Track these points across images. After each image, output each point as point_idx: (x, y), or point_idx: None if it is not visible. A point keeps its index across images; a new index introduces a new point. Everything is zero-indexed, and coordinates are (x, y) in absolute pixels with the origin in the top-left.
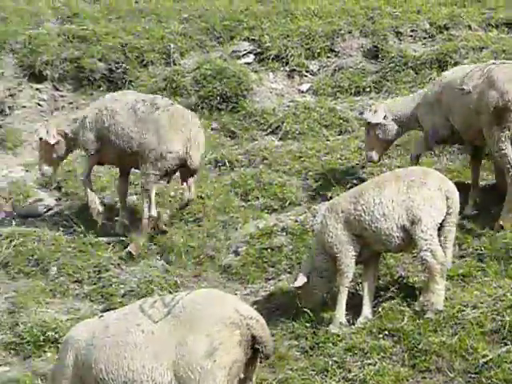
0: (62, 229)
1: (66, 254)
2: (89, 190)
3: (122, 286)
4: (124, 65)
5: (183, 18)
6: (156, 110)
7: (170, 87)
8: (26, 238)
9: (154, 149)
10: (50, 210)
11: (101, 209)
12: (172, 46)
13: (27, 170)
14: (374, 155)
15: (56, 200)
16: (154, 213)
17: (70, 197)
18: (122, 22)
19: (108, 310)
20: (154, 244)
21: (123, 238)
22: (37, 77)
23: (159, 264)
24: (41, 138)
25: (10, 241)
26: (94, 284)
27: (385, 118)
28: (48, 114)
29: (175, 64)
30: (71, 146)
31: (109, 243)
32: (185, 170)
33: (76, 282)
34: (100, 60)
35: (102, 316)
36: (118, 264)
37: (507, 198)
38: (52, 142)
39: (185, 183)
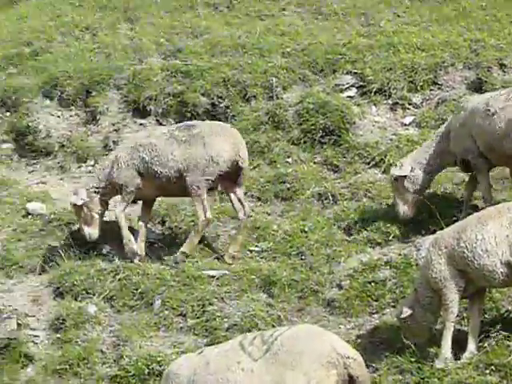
0: (165, 262)
1: (170, 288)
2: (125, 229)
3: (225, 319)
4: (227, 99)
5: (285, 52)
6: (193, 129)
7: (272, 121)
8: (131, 272)
9: (202, 157)
10: (154, 243)
11: (136, 247)
12: (274, 79)
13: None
14: (408, 210)
15: (160, 234)
16: (209, 215)
17: (173, 231)
18: (225, 57)
19: (212, 344)
20: (258, 277)
21: (227, 272)
22: (141, 112)
23: (262, 298)
24: (74, 204)
25: (115, 275)
26: (198, 317)
27: (412, 170)
28: None
29: (278, 98)
30: (107, 194)
31: (212, 277)
32: (230, 180)
33: (180, 315)
34: (203, 95)
35: (202, 352)
36: (222, 298)
37: None
38: (79, 203)
39: (237, 202)
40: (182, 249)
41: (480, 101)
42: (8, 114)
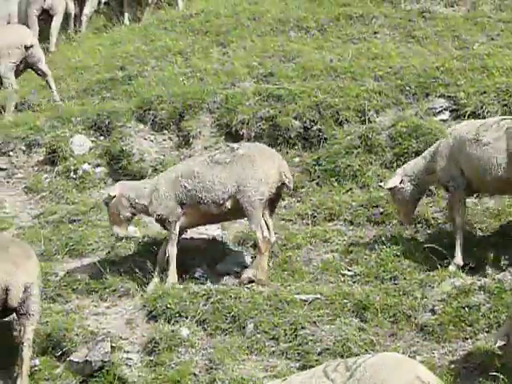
0: (257, 286)
1: (262, 312)
2: (173, 265)
3: (317, 343)
4: (319, 123)
5: (378, 75)
6: (235, 150)
7: (364, 145)
8: (223, 296)
9: (252, 178)
10: (246, 267)
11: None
12: (367, 103)
13: (224, 228)
14: (404, 218)
15: (252, 258)
16: (266, 234)
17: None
18: (317, 81)
19: (304, 368)
20: (350, 302)
21: (319, 296)
22: (233, 135)
23: (355, 322)
24: (106, 203)
25: (207, 298)
26: (290, 341)
27: (401, 182)
28: None
29: (370, 121)
30: (136, 211)
31: (305, 301)
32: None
33: (272, 339)
34: (295, 118)
35: (286, 379)
36: (314, 322)
37: None
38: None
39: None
40: (258, 276)
41: (469, 130)
42: (102, 138)
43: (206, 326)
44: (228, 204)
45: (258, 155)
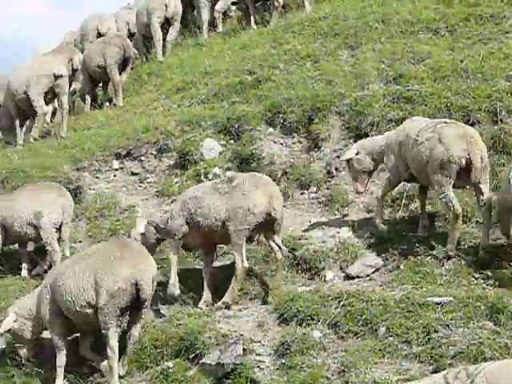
0: (389, 289)
1: (394, 315)
2: (174, 270)
3: (451, 347)
4: None
5: (509, 75)
6: (234, 180)
7: (496, 146)
8: (355, 299)
9: (240, 207)
10: (377, 270)
11: (177, 292)
12: (499, 104)
13: (355, 231)
14: (359, 187)
15: (383, 260)
16: (246, 264)
17: (396, 257)
18: (447, 82)
19: (437, 371)
20: (483, 305)
21: (452, 299)
22: (362, 138)
23: (489, 325)
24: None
25: (339, 301)
26: (423, 345)
27: (357, 153)
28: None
29: (502, 122)
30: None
31: (438, 303)
32: (268, 228)
33: (405, 342)
34: None
35: None
36: (447, 325)
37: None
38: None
39: (275, 246)
40: (224, 298)
41: (414, 130)
42: (232, 141)
43: (337, 328)
44: (221, 230)
45: (248, 186)
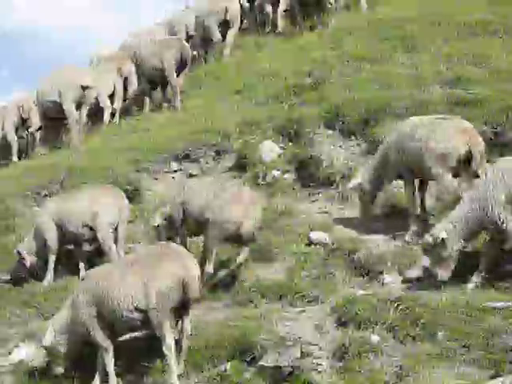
0: (448, 293)
1: (453, 319)
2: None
3: (510, 352)
4: (509, 127)
5: None
6: (224, 190)
7: None
8: (413, 302)
9: (216, 219)
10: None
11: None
12: None
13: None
14: (364, 214)
15: None
16: (211, 270)
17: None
18: (507, 85)
19: (495, 377)
20: None
21: (509, 304)
22: None
23: None
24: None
25: (397, 305)
26: (482, 350)
27: (360, 184)
28: None
29: None
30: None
31: (497, 308)
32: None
33: (464, 346)
34: (485, 123)
35: None
36: (507, 330)
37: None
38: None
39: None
40: None
41: (408, 126)
42: (290, 143)
43: (395, 332)
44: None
45: (230, 201)
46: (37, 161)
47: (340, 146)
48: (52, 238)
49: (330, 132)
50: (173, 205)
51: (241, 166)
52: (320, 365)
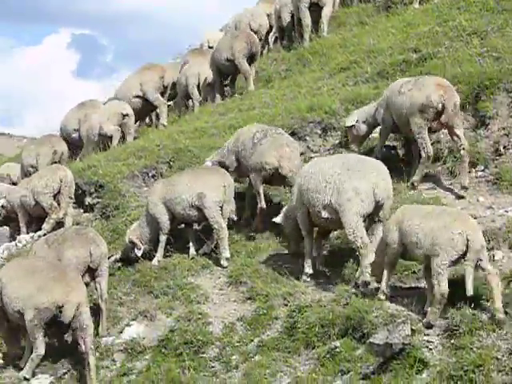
0: None
1: None
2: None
3: None
4: None
5: None
6: (265, 137)
7: None
8: None
9: (257, 162)
10: None
11: None
12: None
13: None
14: (354, 147)
15: None
16: (263, 205)
17: None
18: None
19: None
20: None
21: None
22: None
23: None
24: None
25: (509, 281)
26: None
27: (357, 121)
28: None
29: None
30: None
31: None
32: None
33: None
34: None
35: None
36: None
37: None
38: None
39: None
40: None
41: (397, 84)
42: None
43: (508, 309)
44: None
45: (268, 145)
46: (144, 142)
47: None
48: (163, 219)
49: None
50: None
51: (347, 143)
52: (431, 342)
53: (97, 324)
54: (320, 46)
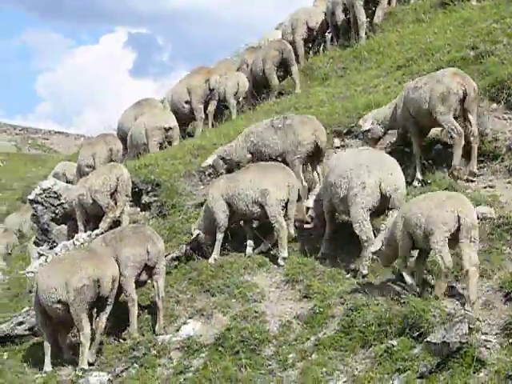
0: None
1: None
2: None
3: None
4: None
5: None
6: (287, 119)
7: None
8: None
9: (293, 140)
10: None
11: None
12: None
13: None
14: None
15: None
16: (303, 182)
17: None
18: None
19: None
20: None
21: None
22: None
23: None
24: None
25: None
26: None
27: (372, 123)
28: None
29: None
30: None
31: None
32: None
33: None
34: None
35: None
36: None
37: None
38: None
39: (315, 174)
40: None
41: (410, 84)
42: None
43: None
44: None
45: (298, 124)
46: (201, 140)
47: (505, 120)
48: (221, 216)
49: (495, 105)
50: None
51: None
52: (489, 341)
53: (154, 322)
54: (376, 44)
